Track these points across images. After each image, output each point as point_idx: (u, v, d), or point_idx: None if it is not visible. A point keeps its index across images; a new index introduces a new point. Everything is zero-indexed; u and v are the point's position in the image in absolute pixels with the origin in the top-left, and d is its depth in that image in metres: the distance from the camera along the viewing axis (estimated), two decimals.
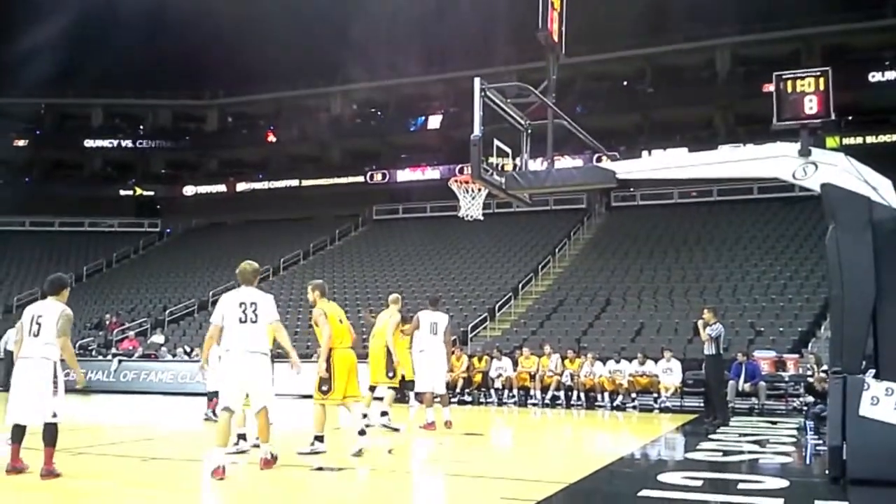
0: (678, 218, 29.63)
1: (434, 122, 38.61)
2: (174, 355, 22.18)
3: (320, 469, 7.50)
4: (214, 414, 12.38)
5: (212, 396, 13.29)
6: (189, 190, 41.65)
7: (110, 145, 42.64)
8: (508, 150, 9.81)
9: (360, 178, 39.12)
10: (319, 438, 8.17)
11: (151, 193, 42.35)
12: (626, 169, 8.96)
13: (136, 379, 20.30)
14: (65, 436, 8.69)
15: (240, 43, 36.97)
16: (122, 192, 42.04)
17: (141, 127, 43.87)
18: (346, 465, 7.86)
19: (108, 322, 26.12)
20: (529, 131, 9.88)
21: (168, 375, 20.13)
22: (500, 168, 9.58)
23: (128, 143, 42.67)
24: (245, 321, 6.99)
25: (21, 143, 42.83)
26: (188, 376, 18.71)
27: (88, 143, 42.52)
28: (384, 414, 10.81)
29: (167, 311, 27.66)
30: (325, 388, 8.23)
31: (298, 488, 7.02)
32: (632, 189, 31.35)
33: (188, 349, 22.04)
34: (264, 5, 36.37)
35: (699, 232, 28.21)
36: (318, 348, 8.54)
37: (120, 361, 21.14)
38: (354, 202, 37.52)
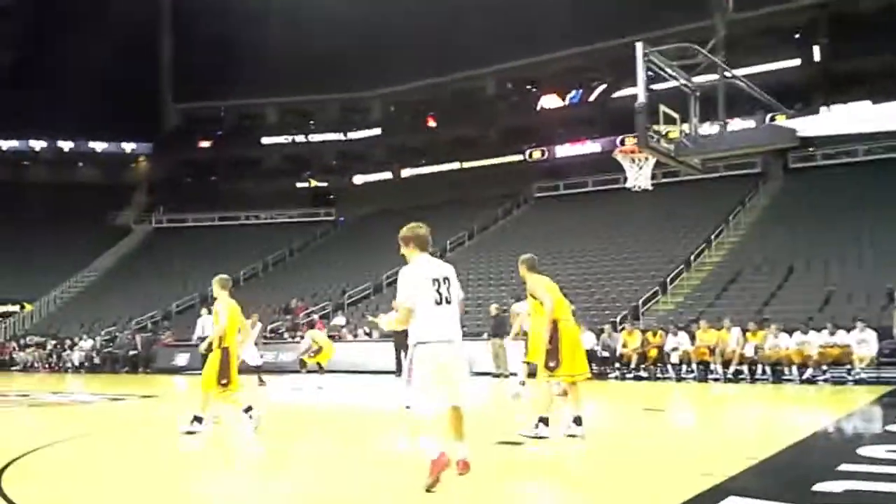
0: (866, 177, 27.33)
1: (592, 93, 37.88)
2: (355, 336, 23.38)
3: (502, 443, 7.54)
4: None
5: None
6: (359, 179, 43.46)
7: (285, 141, 45.43)
8: (676, 116, 9.52)
9: (519, 157, 39.17)
10: (544, 421, 7.55)
11: (325, 184, 44.68)
12: (809, 126, 8.46)
13: None
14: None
15: (394, 35, 38.03)
16: (299, 185, 44.66)
17: (312, 122, 46.32)
18: (526, 441, 7.90)
19: (294, 307, 27.86)
20: (698, 94, 9.54)
21: (351, 355, 21.22)
22: (666, 135, 9.33)
23: (301, 138, 45.24)
24: (441, 302, 5.58)
25: (206, 143, 46.56)
26: (369, 355, 19.72)
27: (265, 140, 45.56)
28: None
29: (346, 295, 29.07)
30: (552, 363, 7.53)
31: (488, 462, 7.21)
32: (811, 148, 29.34)
33: (367, 330, 23.13)
34: None
35: (890, 191, 25.91)
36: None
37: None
38: (514, 181, 37.60)
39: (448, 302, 5.62)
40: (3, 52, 37.28)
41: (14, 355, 28.10)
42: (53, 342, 28.02)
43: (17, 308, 34.60)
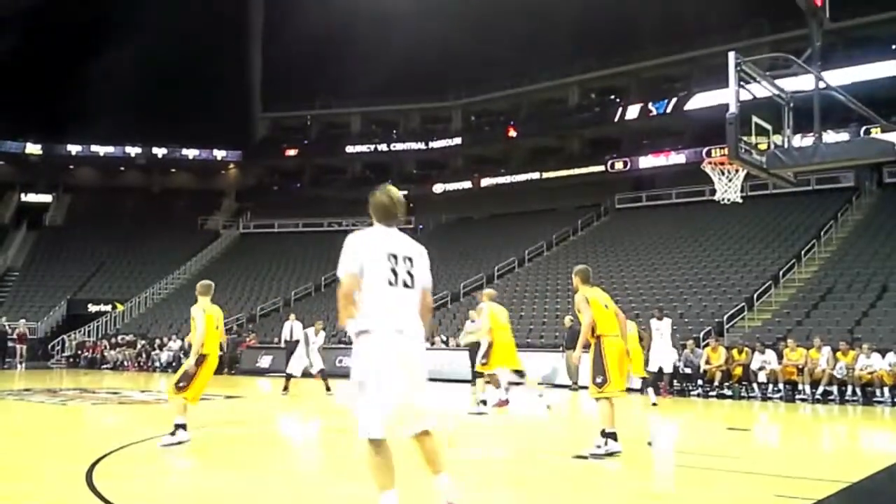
0: None
1: (677, 104, 37.17)
2: (432, 344, 23.49)
3: (578, 458, 7.50)
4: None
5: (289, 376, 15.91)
6: (438, 188, 43.81)
7: (368, 150, 46.25)
8: (769, 127, 9.26)
9: (601, 168, 38.77)
10: (612, 436, 7.49)
11: (405, 192, 44.97)
12: None
13: None
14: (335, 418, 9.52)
15: (475, 46, 38.26)
16: None
17: (394, 131, 47.01)
18: (598, 460, 7.80)
19: None
20: (791, 105, 9.24)
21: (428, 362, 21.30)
22: (757, 146, 9.07)
23: (383, 146, 45.96)
24: (396, 283, 4.34)
25: (292, 152, 47.83)
26: (446, 363, 19.80)
27: (349, 149, 46.51)
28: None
29: None
30: (599, 379, 7.57)
31: (566, 477, 7.15)
32: None
33: (444, 338, 23.22)
34: (490, 8, 37.18)
35: None
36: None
37: None
38: (595, 192, 37.21)
39: (407, 286, 4.35)
40: (99, 61, 39.12)
41: (105, 354, 29.33)
42: (143, 342, 29.14)
43: (108, 308, 36.17)
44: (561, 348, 19.59)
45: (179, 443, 7.73)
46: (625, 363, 7.92)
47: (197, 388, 8.05)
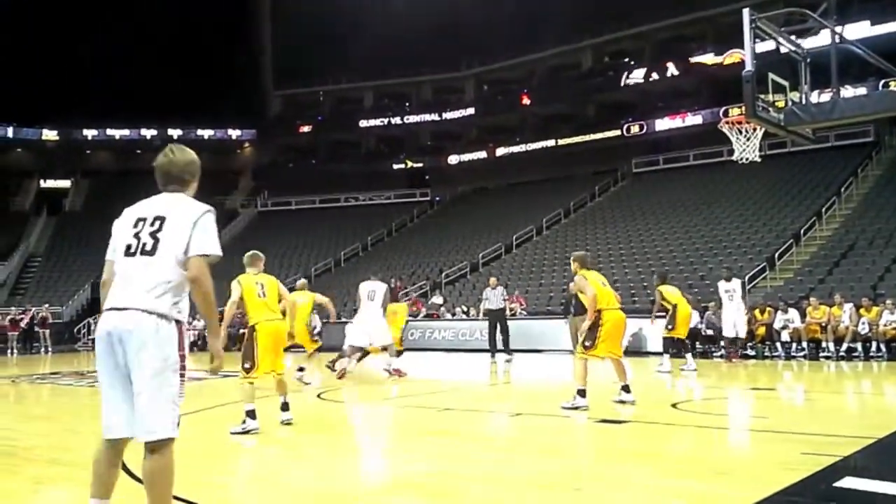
0: None
1: (692, 64, 36.68)
2: (453, 314, 23.59)
3: (603, 421, 7.60)
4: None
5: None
6: (453, 159, 43.68)
7: (381, 123, 46.18)
8: (785, 84, 9.14)
9: (617, 132, 38.45)
10: (581, 393, 8.23)
11: (420, 165, 45.16)
12: None
13: (421, 337, 21.86)
14: (371, 388, 9.64)
15: (485, 14, 37.85)
16: (395, 166, 45.33)
17: (407, 104, 46.85)
18: (625, 418, 7.88)
19: (393, 286, 28.30)
20: (808, 60, 9.11)
21: (449, 333, 21.45)
22: (774, 104, 8.97)
23: (396, 120, 45.86)
24: (135, 253, 3.51)
25: (306, 128, 47.83)
26: (468, 334, 19.88)
27: (363, 123, 46.44)
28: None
29: (443, 274, 29.34)
30: (588, 343, 8.48)
31: (595, 439, 7.19)
32: None
33: (465, 308, 23.29)
34: None
35: None
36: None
37: (407, 322, 22.83)
38: (612, 157, 36.96)
39: (146, 252, 3.46)
40: (111, 44, 39.19)
41: None
42: None
43: None
44: (566, 315, 19.48)
45: (247, 431, 7.11)
46: (620, 332, 8.74)
47: (264, 363, 7.47)
